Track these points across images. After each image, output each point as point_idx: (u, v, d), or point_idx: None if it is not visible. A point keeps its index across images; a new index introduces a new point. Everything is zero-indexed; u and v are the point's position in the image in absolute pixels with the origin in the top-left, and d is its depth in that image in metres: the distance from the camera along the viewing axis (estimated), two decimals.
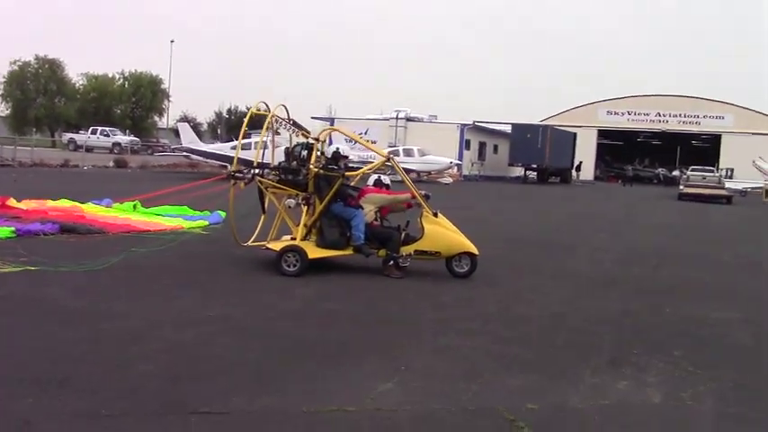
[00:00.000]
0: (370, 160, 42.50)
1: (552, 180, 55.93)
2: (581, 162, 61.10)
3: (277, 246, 10.15)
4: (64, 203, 15.46)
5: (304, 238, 10.48)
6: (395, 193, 10.67)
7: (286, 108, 10.97)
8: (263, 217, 11.13)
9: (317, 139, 10.50)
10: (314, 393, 5.28)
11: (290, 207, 10.45)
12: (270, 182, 10.37)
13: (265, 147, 10.68)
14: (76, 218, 13.91)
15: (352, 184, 11.25)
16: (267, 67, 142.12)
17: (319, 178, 10.20)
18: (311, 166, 10.15)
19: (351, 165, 11.25)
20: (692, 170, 45.47)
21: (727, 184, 42.84)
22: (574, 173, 59.65)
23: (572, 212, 25.89)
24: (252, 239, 10.98)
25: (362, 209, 10.35)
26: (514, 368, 6.20)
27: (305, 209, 10.39)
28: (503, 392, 5.61)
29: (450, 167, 44.20)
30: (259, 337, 6.70)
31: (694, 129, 66.79)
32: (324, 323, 7.34)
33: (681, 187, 40.03)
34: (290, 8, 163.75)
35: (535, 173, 54.79)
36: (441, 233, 10.31)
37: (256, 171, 10.37)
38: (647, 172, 69.28)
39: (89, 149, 54.57)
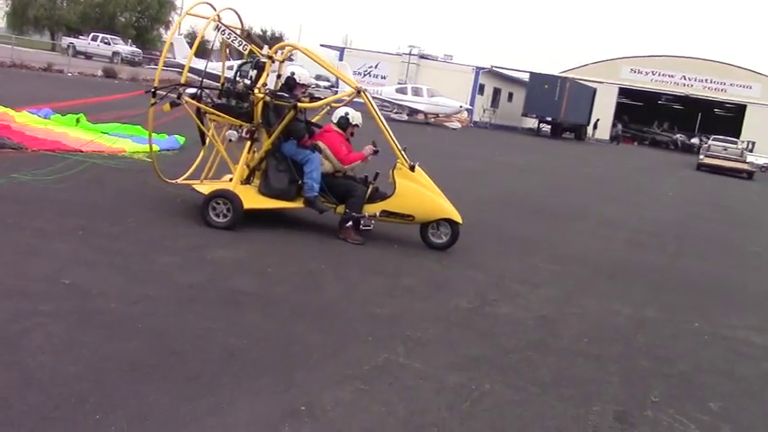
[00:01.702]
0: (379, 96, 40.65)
1: (566, 136, 53.30)
2: (598, 120, 58.29)
3: (206, 188, 8.02)
4: None
5: (244, 182, 8.35)
6: (347, 156, 8.35)
7: (237, 13, 8.69)
8: (202, 150, 8.98)
9: (270, 57, 8.22)
10: None
11: (230, 140, 8.27)
12: (205, 106, 8.15)
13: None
14: (1, 127, 11.79)
15: (314, 119, 9.06)
16: None
17: (267, 107, 7.99)
18: (256, 91, 7.91)
19: (316, 96, 9.01)
20: (714, 140, 42.77)
21: (749, 158, 40.26)
22: (590, 130, 56.93)
23: (582, 174, 23.59)
24: (184, 177, 8.85)
25: (320, 152, 8.17)
26: (475, 422, 4.13)
27: (248, 145, 8.21)
28: None
29: (459, 112, 41.68)
30: (103, 331, 4.59)
31: (720, 96, 63.60)
32: (219, 314, 5.22)
33: (700, 157, 37.46)
34: None
35: (549, 126, 52.15)
36: (416, 192, 8.16)
37: (190, 91, 8.16)
38: (665, 136, 66.37)
39: (88, 56, 52.17)
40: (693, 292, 8.34)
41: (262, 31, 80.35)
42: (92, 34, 57.29)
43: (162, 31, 74.71)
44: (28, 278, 5.32)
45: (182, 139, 13.34)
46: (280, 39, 69.29)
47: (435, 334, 5.48)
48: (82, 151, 10.91)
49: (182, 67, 8.90)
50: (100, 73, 36.35)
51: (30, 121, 12.99)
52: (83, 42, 56.12)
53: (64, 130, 12.80)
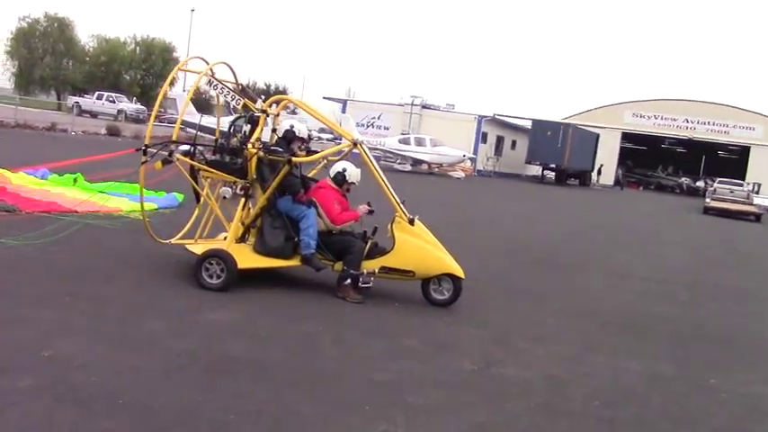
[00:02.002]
0: (379, 147, 40.67)
1: (571, 182, 53.18)
2: (602, 165, 58.22)
3: (199, 248, 7.78)
4: None
5: (239, 240, 8.12)
6: (340, 215, 8.11)
7: (231, 67, 8.55)
8: (197, 208, 8.77)
9: (264, 111, 8.05)
10: None
11: (224, 198, 8.06)
12: (197, 163, 7.96)
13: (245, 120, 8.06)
14: None
15: (311, 173, 8.86)
16: (288, 43, 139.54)
17: (262, 163, 7.80)
18: (250, 146, 7.73)
19: (313, 150, 8.82)
20: (720, 182, 42.54)
21: (756, 200, 39.94)
22: (594, 176, 56.84)
23: (589, 221, 23.34)
24: (177, 236, 8.62)
25: (316, 207, 7.95)
26: None
27: (242, 202, 8.00)
28: None
29: (462, 161, 41.66)
30: (81, 409, 4.30)
31: (723, 138, 63.58)
32: (207, 384, 4.93)
33: (707, 200, 37.19)
34: None
35: (553, 173, 52.07)
36: (416, 247, 7.90)
37: (183, 148, 7.98)
38: (670, 180, 66.23)
39: (94, 115, 52.62)
40: (708, 344, 8.01)
41: (266, 85, 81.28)
42: (97, 93, 57.93)
43: (167, 88, 75.51)
44: (8, 350, 5.06)
45: (180, 197, 13.16)
46: (284, 92, 69.99)
47: (438, 400, 5.17)
48: (77, 212, 10.73)
49: (183, 123, 8.74)
50: (103, 131, 36.50)
51: (26, 183, 12.86)
52: (88, 101, 56.71)
53: (61, 190, 12.64)
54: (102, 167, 12.10)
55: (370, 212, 8.18)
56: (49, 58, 67.31)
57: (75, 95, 61.00)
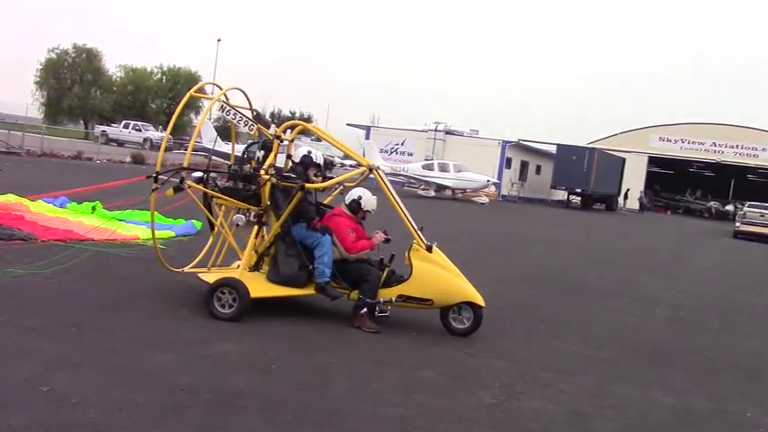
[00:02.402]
0: (402, 173, 40.52)
1: (597, 206, 52.60)
2: (628, 190, 57.56)
3: (212, 277, 7.57)
4: (8, 199, 13.11)
5: (253, 269, 7.90)
6: (354, 244, 7.88)
7: (245, 93, 8.39)
8: (211, 236, 8.58)
9: (278, 137, 7.87)
10: None
11: (238, 225, 7.86)
12: (210, 190, 7.78)
13: (263, 147, 7.87)
14: (14, 218, 11.57)
15: (327, 200, 8.65)
16: (313, 70, 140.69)
17: (275, 189, 7.60)
18: (263, 173, 7.53)
19: (328, 176, 8.62)
20: (750, 206, 41.74)
21: None
22: (621, 200, 56.21)
23: (616, 246, 22.87)
24: (191, 265, 8.43)
25: (330, 234, 7.73)
26: None
27: (256, 229, 7.80)
28: None
29: (487, 186, 41.31)
30: None
31: (752, 162, 62.66)
32: (210, 422, 4.68)
33: (737, 224, 36.48)
34: (341, 13, 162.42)
35: (579, 198, 51.53)
36: (435, 274, 7.63)
37: (196, 175, 7.81)
38: (698, 204, 65.31)
39: (120, 143, 53.15)
40: (743, 375, 7.62)
41: (290, 112, 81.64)
42: (123, 122, 58.57)
43: (192, 116, 76.31)
44: (5, 385, 4.86)
45: (199, 224, 13.00)
46: (308, 120, 70.27)
47: None
48: (94, 240, 10.60)
49: (207, 150, 8.61)
50: (128, 159, 36.72)
51: (45, 211, 12.78)
52: (115, 130, 57.32)
53: (79, 218, 12.55)
54: (120, 195, 12.02)
55: (387, 241, 7.95)
56: (77, 88, 68.30)
57: (102, 124, 61.76)
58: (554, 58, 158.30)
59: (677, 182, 68.29)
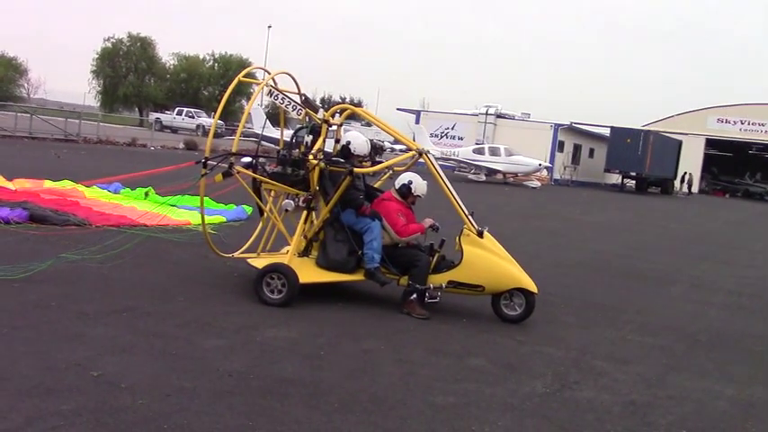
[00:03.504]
0: (454, 158, 40.17)
1: (652, 190, 51.51)
2: (685, 173, 56.17)
3: (261, 262, 7.56)
4: (64, 185, 13.36)
5: (302, 254, 7.87)
6: (405, 228, 7.77)
7: (293, 78, 8.33)
8: (261, 221, 8.57)
9: (326, 122, 7.79)
10: None
11: (287, 210, 7.83)
12: (258, 175, 7.75)
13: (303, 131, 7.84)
14: (69, 204, 11.79)
15: (377, 184, 8.56)
16: (363, 56, 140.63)
17: (323, 175, 7.53)
18: (311, 157, 7.47)
19: (378, 160, 8.53)
20: None
21: None
22: (678, 184, 54.93)
23: (671, 230, 22.31)
24: (240, 250, 8.44)
25: (380, 220, 7.63)
26: None
27: (305, 214, 7.75)
28: None
29: (538, 170, 40.72)
30: None
31: None
32: (258, 408, 4.65)
33: None
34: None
35: (633, 181, 50.52)
36: (486, 260, 7.48)
37: (243, 161, 7.79)
38: (758, 187, 63.45)
39: (174, 130, 54.01)
40: None
41: (341, 98, 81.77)
42: (177, 109, 59.48)
43: (243, 102, 77.09)
44: (57, 369, 4.89)
45: (249, 210, 13.05)
46: (359, 104, 70.24)
47: (505, 427, 4.76)
48: (147, 225, 10.71)
49: (257, 136, 8.60)
50: (181, 146, 37.24)
51: (99, 196, 12.99)
52: (168, 117, 58.31)
53: (132, 204, 12.71)
54: (172, 180, 12.10)
55: (435, 229, 7.83)
56: (132, 76, 69.62)
57: (156, 112, 62.82)
58: (607, 38, 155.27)
59: (737, 164, 66.38)
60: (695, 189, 57.44)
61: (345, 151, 7.80)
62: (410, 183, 7.90)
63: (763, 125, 61.78)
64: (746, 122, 62.47)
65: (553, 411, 5.18)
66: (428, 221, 7.80)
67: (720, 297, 10.70)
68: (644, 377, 6.24)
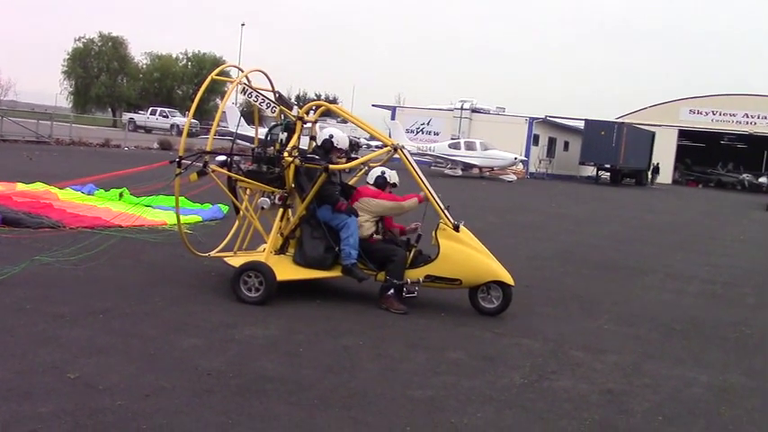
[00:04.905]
0: (427, 153, 40.28)
1: (626, 182, 51.98)
2: (658, 164, 56.73)
3: (238, 261, 7.54)
4: (36, 188, 13.23)
5: (279, 252, 7.86)
6: (396, 198, 7.88)
7: (267, 75, 8.31)
8: (237, 220, 8.55)
9: (300, 119, 7.79)
10: None
11: (263, 208, 7.81)
12: (233, 174, 7.73)
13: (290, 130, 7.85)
14: (43, 206, 11.68)
15: (352, 181, 8.57)
16: (338, 53, 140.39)
17: (299, 172, 7.53)
18: (286, 155, 7.47)
19: (353, 156, 8.54)
20: None
21: None
22: (650, 175, 55.46)
23: (647, 221, 22.52)
24: (217, 249, 8.41)
25: (357, 216, 7.65)
26: None
27: (281, 212, 7.74)
28: None
29: (514, 164, 40.96)
30: None
31: None
32: (237, 407, 4.65)
33: None
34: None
35: (608, 173, 50.95)
36: (463, 254, 7.52)
37: (218, 159, 7.77)
38: (731, 177, 64.23)
39: (148, 130, 53.59)
40: None
41: (316, 95, 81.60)
42: (150, 108, 59.03)
43: (218, 101, 76.68)
44: (34, 372, 4.86)
45: (225, 209, 13.00)
46: (334, 101, 70.13)
47: (484, 419, 4.80)
48: (121, 226, 10.63)
49: (232, 135, 8.57)
50: (155, 146, 36.96)
51: (73, 198, 12.87)
52: (142, 117, 57.84)
53: (107, 205, 12.61)
54: (147, 180, 12.01)
55: (416, 232, 7.90)
56: (104, 77, 68.99)
57: (129, 112, 62.30)
58: (579, 32, 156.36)
59: (709, 155, 67.17)
60: (668, 180, 57.94)
61: (328, 144, 7.80)
62: (384, 173, 7.95)
63: (734, 115, 62.55)
64: (718, 113, 63.24)
65: (531, 402, 5.23)
66: (420, 197, 7.74)
67: (695, 286, 10.83)
68: (620, 366, 6.32)
